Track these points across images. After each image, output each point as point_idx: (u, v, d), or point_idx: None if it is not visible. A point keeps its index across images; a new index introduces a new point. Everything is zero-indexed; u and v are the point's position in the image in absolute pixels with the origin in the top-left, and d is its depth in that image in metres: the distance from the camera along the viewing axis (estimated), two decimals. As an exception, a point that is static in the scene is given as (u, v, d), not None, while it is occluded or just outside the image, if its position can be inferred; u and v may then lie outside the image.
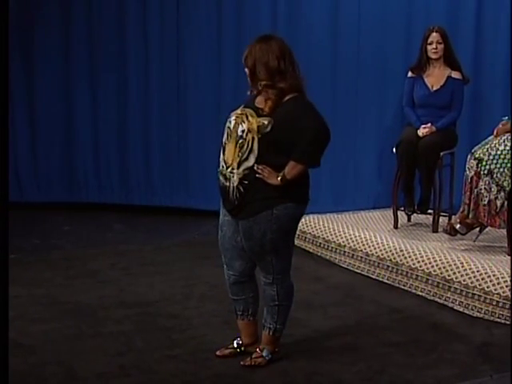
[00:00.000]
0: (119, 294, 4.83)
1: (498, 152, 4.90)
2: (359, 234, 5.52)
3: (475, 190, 4.95)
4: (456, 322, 4.44)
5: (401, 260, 5.08)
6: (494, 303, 4.43)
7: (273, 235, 3.53)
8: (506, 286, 4.42)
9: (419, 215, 5.86)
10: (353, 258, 5.43)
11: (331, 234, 5.67)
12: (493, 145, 4.96)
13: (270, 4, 6.75)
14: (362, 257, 5.36)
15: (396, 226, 5.78)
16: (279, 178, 3.46)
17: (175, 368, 3.72)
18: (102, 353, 3.89)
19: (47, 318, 4.41)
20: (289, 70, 3.49)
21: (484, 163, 4.91)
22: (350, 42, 6.56)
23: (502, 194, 4.88)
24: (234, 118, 3.56)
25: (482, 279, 4.55)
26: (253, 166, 3.46)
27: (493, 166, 4.89)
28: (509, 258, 4.84)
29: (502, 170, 4.87)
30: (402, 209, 5.81)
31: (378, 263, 5.22)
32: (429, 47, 5.69)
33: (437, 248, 5.10)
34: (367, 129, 6.66)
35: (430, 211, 5.75)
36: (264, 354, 3.74)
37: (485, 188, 4.91)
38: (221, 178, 3.58)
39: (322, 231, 5.74)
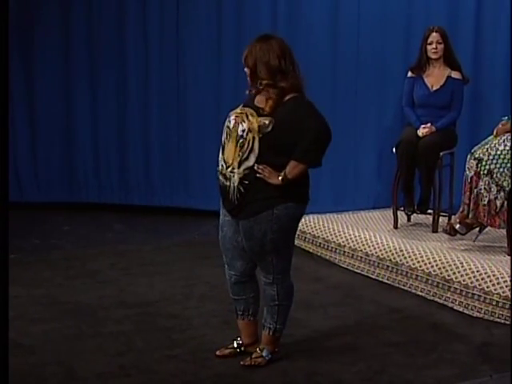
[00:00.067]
0: (119, 294, 4.83)
1: (498, 152, 4.90)
2: (359, 234, 5.52)
3: (475, 190, 4.95)
4: (456, 321, 4.44)
5: (401, 260, 5.08)
6: (494, 303, 4.44)
7: (273, 235, 3.53)
8: (506, 286, 4.42)
9: (419, 215, 5.86)
10: (353, 258, 5.43)
11: (331, 234, 5.67)
12: (492, 145, 4.96)
13: (269, 4, 6.75)
14: (361, 257, 5.36)
15: (396, 226, 5.78)
16: (280, 178, 3.46)
17: (175, 368, 3.72)
18: (102, 353, 3.89)
19: (47, 318, 4.41)
20: (289, 70, 3.49)
21: (484, 163, 4.91)
22: (350, 42, 6.56)
23: (502, 193, 4.88)
24: (233, 117, 3.56)
25: (482, 279, 4.55)
26: (253, 165, 3.46)
27: (492, 166, 4.89)
28: (508, 258, 4.84)
29: (501, 170, 4.87)
30: (402, 209, 5.81)
31: (378, 263, 5.22)
32: (429, 47, 5.69)
33: (436, 248, 5.10)
34: (367, 129, 6.66)
35: (429, 211, 5.75)
36: (264, 354, 3.74)
37: (484, 188, 4.91)
38: (220, 177, 3.58)
39: (321, 231, 5.74)
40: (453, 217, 5.32)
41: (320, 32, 6.62)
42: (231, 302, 3.85)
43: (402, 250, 5.13)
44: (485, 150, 4.96)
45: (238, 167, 3.49)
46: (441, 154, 5.61)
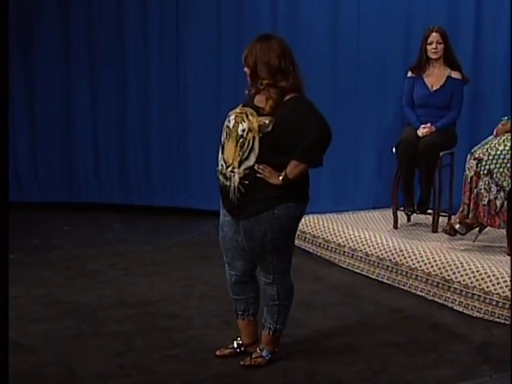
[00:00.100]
0: (119, 294, 4.83)
1: (498, 152, 4.90)
2: (359, 234, 5.52)
3: (475, 190, 4.95)
4: (456, 321, 4.44)
5: (400, 260, 5.08)
6: (494, 303, 4.44)
7: (274, 235, 3.53)
8: (506, 286, 4.42)
9: (419, 215, 5.86)
10: (352, 258, 5.43)
11: (331, 234, 5.67)
12: (492, 145, 4.96)
13: (269, 4, 6.75)
14: (361, 257, 5.37)
15: (396, 226, 5.78)
16: (281, 178, 3.46)
17: (175, 368, 3.72)
18: (102, 353, 3.89)
19: (47, 318, 4.41)
20: (290, 70, 3.49)
21: (484, 163, 4.91)
22: (350, 42, 6.56)
23: (502, 193, 4.88)
24: (233, 117, 3.56)
25: (482, 279, 4.55)
26: (253, 165, 3.46)
27: (492, 166, 4.89)
28: (508, 258, 4.84)
29: (501, 169, 4.87)
30: (402, 209, 5.81)
31: (378, 263, 5.22)
32: (429, 47, 5.69)
33: (436, 248, 5.10)
34: (367, 129, 6.66)
35: (429, 211, 5.74)
36: (264, 354, 3.74)
37: (484, 188, 4.91)
38: (220, 177, 3.58)
39: (321, 231, 5.74)
40: (453, 217, 5.32)
41: (320, 32, 6.62)
42: (231, 302, 3.86)
43: (401, 250, 5.13)
44: (485, 150, 4.96)
45: (239, 167, 3.49)
46: (441, 153, 5.61)
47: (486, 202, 4.92)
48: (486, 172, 4.90)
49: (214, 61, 6.91)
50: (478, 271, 4.61)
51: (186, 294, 4.83)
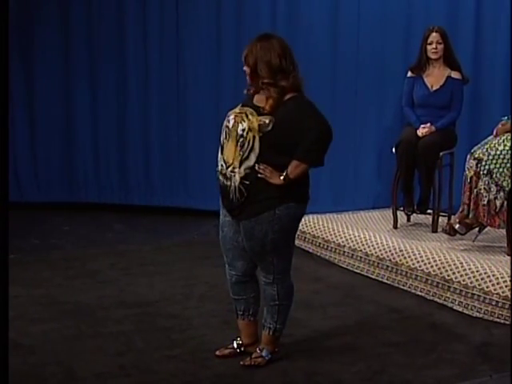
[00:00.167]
0: (119, 294, 4.83)
1: (498, 152, 4.90)
2: (359, 234, 5.52)
3: (475, 190, 4.95)
4: (455, 321, 4.44)
5: (400, 260, 5.08)
6: (494, 303, 4.44)
7: (274, 235, 3.53)
8: (506, 286, 4.42)
9: (419, 215, 5.86)
10: (352, 257, 5.43)
11: (331, 234, 5.67)
12: (492, 145, 4.96)
13: (269, 4, 6.75)
14: (361, 257, 5.37)
15: (395, 226, 5.78)
16: (282, 178, 3.46)
17: (175, 368, 3.72)
18: (102, 353, 3.90)
19: (47, 318, 4.41)
20: (290, 69, 3.49)
21: (483, 163, 4.92)
22: (350, 42, 6.57)
23: (502, 193, 4.88)
24: (232, 116, 3.56)
25: (482, 279, 4.55)
26: (254, 165, 3.46)
27: (492, 166, 4.89)
28: (508, 258, 4.84)
29: (501, 169, 4.87)
30: (402, 209, 5.81)
31: (378, 263, 5.23)
32: (428, 47, 5.69)
33: (436, 248, 5.10)
34: (367, 129, 6.66)
35: (429, 211, 5.75)
36: (264, 354, 3.74)
37: (484, 188, 4.91)
38: (221, 177, 3.58)
39: (321, 231, 5.75)
40: (452, 217, 5.32)
41: (320, 32, 6.62)
42: (231, 302, 3.86)
43: (401, 250, 5.13)
44: (484, 150, 4.96)
45: (239, 167, 3.48)
46: (440, 153, 5.61)
47: (485, 202, 4.92)
48: (485, 172, 4.90)
49: (214, 61, 6.91)
50: (477, 271, 4.61)
51: (186, 294, 4.83)
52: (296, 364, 3.77)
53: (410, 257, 5.04)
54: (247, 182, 3.48)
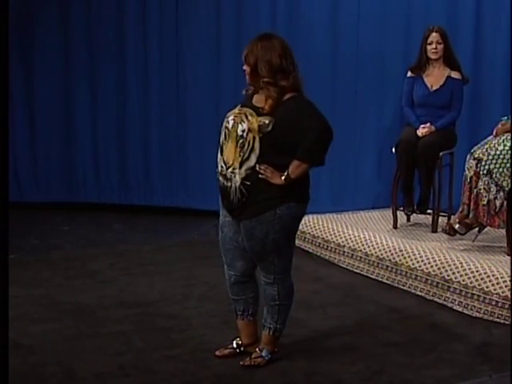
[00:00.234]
0: (118, 294, 4.83)
1: (498, 152, 4.90)
2: (358, 234, 5.52)
3: (474, 190, 4.95)
4: (455, 321, 4.44)
5: (400, 260, 5.08)
6: (494, 303, 4.44)
7: (275, 235, 3.53)
8: (506, 286, 4.42)
9: (418, 215, 5.86)
10: (352, 257, 5.43)
11: (331, 234, 5.67)
12: (492, 145, 4.96)
13: (269, 4, 6.75)
14: (361, 257, 5.36)
15: (395, 226, 5.78)
16: (283, 178, 3.46)
17: (174, 368, 3.72)
18: (102, 353, 3.89)
19: (46, 318, 4.41)
20: (290, 69, 3.49)
21: (483, 163, 4.91)
22: (350, 42, 6.57)
23: (502, 193, 4.88)
24: (232, 117, 3.55)
25: (482, 279, 4.55)
26: (254, 165, 3.46)
27: (492, 166, 4.89)
28: (508, 257, 4.84)
29: (501, 169, 4.87)
30: (402, 209, 5.81)
31: (378, 263, 5.22)
32: (428, 47, 5.69)
33: (436, 248, 5.10)
34: (366, 129, 6.66)
35: (429, 211, 5.74)
36: (263, 354, 3.74)
37: (484, 188, 4.91)
38: (221, 178, 3.57)
39: (321, 231, 5.74)
40: (452, 217, 5.31)
41: (320, 32, 6.62)
42: (230, 302, 3.85)
43: (401, 250, 5.13)
44: (484, 150, 4.96)
45: (240, 167, 3.48)
46: (440, 153, 5.61)
47: (485, 202, 4.92)
48: (485, 172, 4.90)
49: (214, 61, 6.91)
50: (477, 271, 4.61)
51: (186, 294, 4.83)
52: (296, 364, 3.77)
53: (409, 257, 5.04)
54: (248, 183, 3.48)
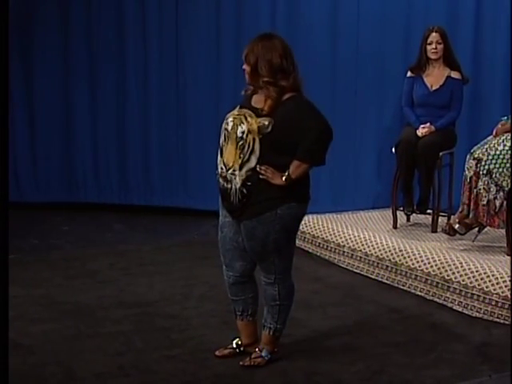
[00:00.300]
0: (118, 294, 4.83)
1: (497, 152, 4.90)
2: (358, 234, 5.52)
3: (474, 190, 4.95)
4: (455, 321, 4.44)
5: (400, 260, 5.08)
6: (493, 303, 4.44)
7: (276, 235, 3.53)
8: (505, 286, 4.42)
9: (418, 215, 5.86)
10: (352, 257, 5.43)
11: (330, 234, 5.67)
12: (492, 145, 4.96)
13: (269, 4, 6.75)
14: (361, 257, 5.36)
15: (395, 226, 5.78)
16: (284, 178, 3.46)
17: (174, 368, 3.72)
18: (101, 353, 3.89)
19: (46, 318, 4.41)
20: (291, 70, 3.49)
21: (483, 163, 4.92)
22: (349, 42, 6.57)
23: (501, 193, 4.88)
24: (231, 119, 3.55)
25: (481, 279, 4.55)
26: (255, 166, 3.46)
27: (492, 166, 4.89)
28: (508, 257, 4.84)
29: (501, 169, 4.87)
30: (401, 209, 5.81)
31: (378, 263, 5.22)
32: (428, 47, 5.69)
33: (436, 248, 5.10)
34: (366, 129, 6.66)
35: (429, 211, 5.74)
36: (263, 354, 3.74)
37: (484, 188, 4.91)
38: (221, 180, 3.57)
39: (321, 231, 5.74)
40: (452, 217, 5.31)
41: (319, 32, 6.62)
42: (230, 303, 3.85)
43: (401, 250, 5.13)
44: (484, 150, 4.96)
45: (240, 169, 3.48)
46: (440, 153, 5.61)
47: (485, 202, 4.92)
48: (485, 172, 4.90)
49: (214, 61, 6.91)
50: (477, 271, 4.61)
51: (186, 294, 4.83)
52: (295, 364, 3.77)
53: (409, 257, 5.04)
54: (249, 184, 3.48)
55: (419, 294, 4.87)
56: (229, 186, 3.53)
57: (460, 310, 4.59)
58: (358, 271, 5.35)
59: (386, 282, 5.12)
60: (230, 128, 3.53)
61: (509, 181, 4.84)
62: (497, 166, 4.87)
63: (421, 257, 4.98)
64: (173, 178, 7.17)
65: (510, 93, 5.60)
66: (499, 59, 6.19)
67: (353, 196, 6.75)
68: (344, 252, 5.50)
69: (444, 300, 4.71)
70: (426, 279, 4.86)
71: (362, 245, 5.39)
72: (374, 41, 6.53)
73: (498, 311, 4.42)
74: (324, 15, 6.62)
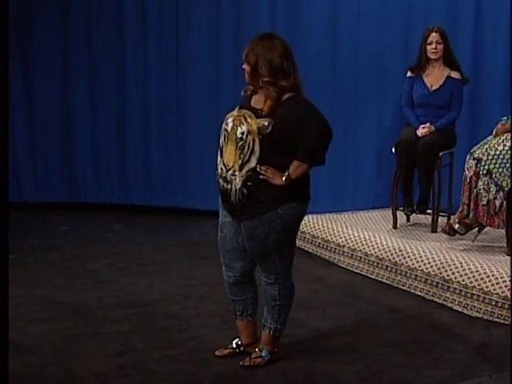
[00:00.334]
0: (118, 294, 4.83)
1: (497, 152, 4.90)
2: (358, 234, 5.52)
3: (474, 190, 4.95)
4: (455, 321, 4.44)
5: (400, 260, 5.08)
6: (493, 303, 4.43)
7: (277, 235, 3.53)
8: (505, 286, 4.42)
9: (418, 215, 5.86)
10: (352, 257, 5.43)
11: (330, 234, 5.67)
12: (492, 145, 4.96)
13: (268, 4, 6.75)
14: (361, 257, 5.36)
15: (395, 226, 5.78)
16: (284, 179, 3.46)
17: (174, 368, 3.72)
18: (101, 353, 3.89)
19: (46, 318, 4.41)
20: (290, 70, 3.49)
21: (483, 163, 4.92)
22: (349, 42, 6.57)
23: (501, 193, 4.88)
24: (231, 120, 3.55)
25: (481, 279, 4.55)
26: (255, 167, 3.46)
27: (492, 166, 4.89)
28: (508, 257, 4.84)
29: (500, 170, 4.87)
30: (401, 209, 5.81)
31: (377, 263, 5.22)
32: (428, 47, 5.69)
33: (436, 248, 5.10)
34: (366, 129, 6.66)
35: (428, 211, 5.75)
36: (263, 354, 3.74)
37: (484, 188, 4.91)
38: (221, 181, 3.57)
39: (321, 231, 5.74)
40: (452, 217, 5.31)
41: (319, 32, 6.62)
42: (230, 303, 3.85)
43: (401, 250, 5.13)
44: (484, 150, 4.96)
45: (240, 170, 3.48)
46: (440, 153, 5.62)
47: (485, 202, 4.92)
48: (485, 172, 4.90)
49: (214, 61, 6.91)
50: (477, 271, 4.61)
51: (185, 294, 4.83)
52: (295, 364, 3.77)
53: (409, 257, 5.04)
54: (249, 184, 3.48)
55: (419, 293, 4.87)
56: (229, 186, 3.53)
57: (460, 310, 4.59)
58: (357, 271, 5.35)
59: (385, 281, 5.12)
60: (229, 129, 3.53)
61: (509, 181, 4.84)
62: (497, 166, 4.87)
63: (421, 257, 4.98)
64: (173, 178, 7.17)
65: (510, 93, 5.60)
66: (499, 59, 6.20)
67: (353, 196, 6.75)
68: (344, 252, 5.50)
69: (444, 300, 4.71)
70: (426, 279, 4.85)
71: (362, 245, 5.39)
72: (373, 41, 6.53)
73: (497, 311, 4.42)
74: (324, 15, 6.62)
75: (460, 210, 5.08)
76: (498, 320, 4.40)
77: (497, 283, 4.47)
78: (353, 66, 6.60)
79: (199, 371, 3.69)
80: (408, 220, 5.94)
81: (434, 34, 5.66)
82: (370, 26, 6.51)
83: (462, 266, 4.71)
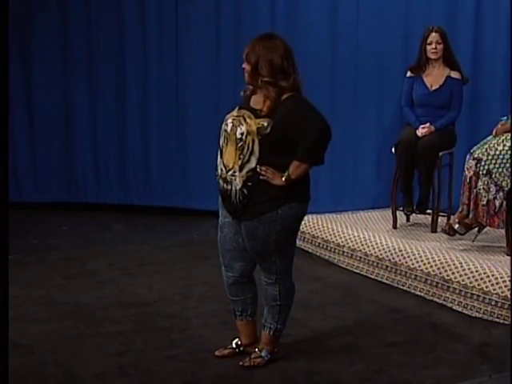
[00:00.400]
0: (118, 294, 4.83)
1: (497, 152, 4.90)
2: (358, 234, 5.52)
3: (474, 190, 4.95)
4: (455, 321, 4.44)
5: (400, 260, 5.08)
6: (493, 303, 4.44)
7: (277, 235, 3.53)
8: (505, 286, 4.42)
9: (418, 215, 5.86)
10: (352, 257, 5.43)
11: (330, 234, 5.67)
12: (492, 145, 4.96)
13: (268, 4, 6.75)
14: (360, 257, 5.36)
15: (395, 226, 5.78)
16: (284, 179, 3.46)
17: (174, 368, 3.72)
18: (101, 353, 3.89)
19: (46, 318, 4.41)
20: (291, 71, 3.49)
21: (483, 163, 4.92)
22: (349, 42, 6.57)
23: (501, 193, 4.89)
24: (230, 120, 3.55)
25: (481, 279, 4.55)
26: (255, 167, 3.46)
27: (491, 166, 4.89)
28: (508, 257, 4.84)
29: (500, 170, 4.87)
30: (401, 209, 5.81)
31: (377, 263, 5.22)
32: (428, 47, 5.69)
33: (436, 248, 5.10)
34: (366, 129, 6.66)
35: (428, 211, 5.75)
36: (263, 354, 3.74)
37: (483, 188, 4.91)
38: (221, 181, 3.57)
39: (320, 231, 5.74)
40: (452, 217, 5.31)
41: (319, 32, 6.62)
42: (230, 303, 3.85)
43: (401, 250, 5.13)
44: (484, 150, 4.96)
45: (240, 170, 3.48)
46: (440, 153, 5.62)
47: (485, 202, 4.92)
48: (485, 172, 4.90)
49: (213, 61, 6.91)
50: (477, 271, 4.61)
51: (185, 294, 4.83)
52: (295, 364, 3.77)
53: (409, 257, 5.04)
54: (250, 184, 3.48)
55: (419, 293, 4.87)
56: (229, 187, 3.53)
57: (460, 310, 4.59)
58: (357, 271, 5.35)
59: (385, 281, 5.12)
60: (229, 129, 3.53)
61: (508, 181, 4.84)
62: (496, 166, 4.87)
63: (420, 257, 4.98)
64: (172, 178, 7.17)
65: (510, 93, 5.59)
66: (499, 59, 6.19)
67: (352, 196, 6.75)
68: (344, 252, 5.50)
69: (444, 300, 4.71)
70: (426, 279, 4.85)
71: (362, 245, 5.39)
72: (373, 41, 6.53)
73: (497, 311, 4.42)
74: (324, 15, 6.61)
75: (460, 210, 5.08)
76: (497, 320, 4.40)
77: (497, 283, 4.47)
78: (353, 66, 6.60)
79: (199, 371, 3.69)
80: (408, 220, 5.94)
81: (433, 33, 5.66)
82: (370, 26, 6.51)
83: (461, 266, 4.71)
